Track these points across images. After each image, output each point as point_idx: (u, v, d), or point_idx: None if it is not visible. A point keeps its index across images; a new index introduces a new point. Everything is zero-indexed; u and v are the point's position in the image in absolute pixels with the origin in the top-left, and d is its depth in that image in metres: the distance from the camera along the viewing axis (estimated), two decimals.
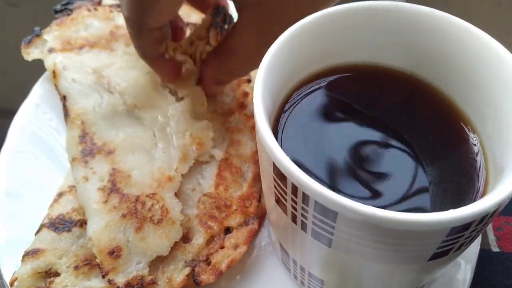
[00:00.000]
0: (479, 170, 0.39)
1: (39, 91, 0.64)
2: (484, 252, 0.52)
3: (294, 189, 0.34)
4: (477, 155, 0.40)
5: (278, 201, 0.39)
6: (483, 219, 0.31)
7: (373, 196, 0.38)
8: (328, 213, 0.32)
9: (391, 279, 0.39)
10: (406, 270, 0.37)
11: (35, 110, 0.63)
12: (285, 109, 0.44)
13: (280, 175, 0.35)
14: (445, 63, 0.42)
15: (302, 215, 0.35)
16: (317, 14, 0.42)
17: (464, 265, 0.49)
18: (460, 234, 0.31)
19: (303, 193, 0.33)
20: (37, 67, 0.65)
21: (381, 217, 0.29)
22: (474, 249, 0.49)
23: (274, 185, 0.37)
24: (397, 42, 0.44)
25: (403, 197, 0.38)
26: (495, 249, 0.52)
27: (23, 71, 0.77)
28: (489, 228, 0.54)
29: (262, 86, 0.38)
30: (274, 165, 0.35)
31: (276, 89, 0.42)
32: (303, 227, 0.37)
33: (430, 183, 0.39)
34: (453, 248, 0.34)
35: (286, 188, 0.35)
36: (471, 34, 0.39)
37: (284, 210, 0.38)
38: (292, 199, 0.35)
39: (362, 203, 0.30)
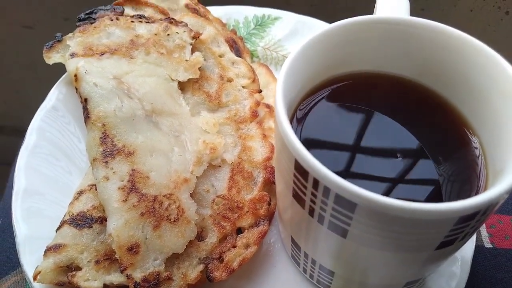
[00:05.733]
0: (480, 171, 0.43)
1: (56, 94, 0.67)
2: (478, 248, 0.55)
3: (315, 183, 0.37)
4: (478, 157, 0.44)
5: (295, 196, 0.42)
6: (487, 209, 0.34)
7: (383, 187, 0.42)
8: (347, 204, 0.35)
9: (398, 269, 0.43)
10: (414, 259, 0.40)
11: (51, 112, 0.65)
12: (299, 110, 0.48)
13: (301, 170, 0.38)
14: (446, 72, 0.46)
15: (321, 207, 0.39)
16: (330, 26, 0.46)
17: (461, 260, 0.52)
18: (466, 223, 0.35)
19: (325, 187, 0.36)
20: (49, 87, 0.68)
21: (400, 207, 0.32)
22: (470, 245, 0.53)
23: (294, 181, 0.40)
24: (402, 53, 0.48)
25: (410, 190, 0.42)
26: (487, 245, 0.56)
27: (35, 90, 0.79)
28: (482, 226, 0.58)
29: (282, 90, 0.41)
30: (296, 161, 0.38)
31: (291, 93, 0.45)
32: (320, 219, 0.40)
33: (438, 179, 0.43)
34: (458, 238, 0.37)
35: (307, 183, 0.38)
36: (471, 45, 0.43)
37: (302, 204, 0.41)
38: (312, 193, 0.38)
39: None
